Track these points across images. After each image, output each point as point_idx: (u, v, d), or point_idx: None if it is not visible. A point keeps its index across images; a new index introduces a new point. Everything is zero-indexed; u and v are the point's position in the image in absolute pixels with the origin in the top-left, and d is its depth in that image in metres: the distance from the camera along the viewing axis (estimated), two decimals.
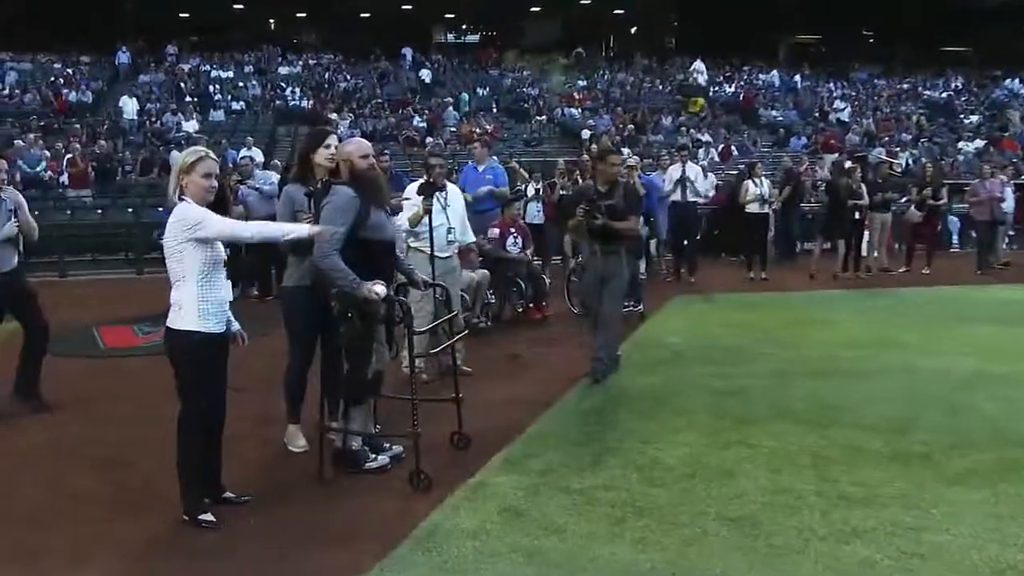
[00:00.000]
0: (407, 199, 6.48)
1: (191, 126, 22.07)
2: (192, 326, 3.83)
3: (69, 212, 16.52)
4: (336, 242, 4.25)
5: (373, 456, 4.70)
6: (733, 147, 22.72)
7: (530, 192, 12.55)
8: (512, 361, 7.51)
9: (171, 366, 3.95)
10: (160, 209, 15.57)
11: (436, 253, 6.22)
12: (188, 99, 24.29)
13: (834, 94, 28.88)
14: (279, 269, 10.41)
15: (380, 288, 4.26)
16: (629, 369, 6.94)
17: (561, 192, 12.24)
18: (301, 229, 4.09)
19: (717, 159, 21.65)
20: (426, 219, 6.05)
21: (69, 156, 17.50)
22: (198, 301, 3.83)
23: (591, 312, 6.84)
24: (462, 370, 6.09)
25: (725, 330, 8.51)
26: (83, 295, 11.99)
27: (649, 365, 7.09)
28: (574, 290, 10.01)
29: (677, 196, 12.31)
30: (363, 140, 4.78)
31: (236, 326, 4.10)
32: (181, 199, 3.80)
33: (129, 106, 22.99)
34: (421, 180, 6.55)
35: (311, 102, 24.42)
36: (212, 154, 3.92)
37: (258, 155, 17.67)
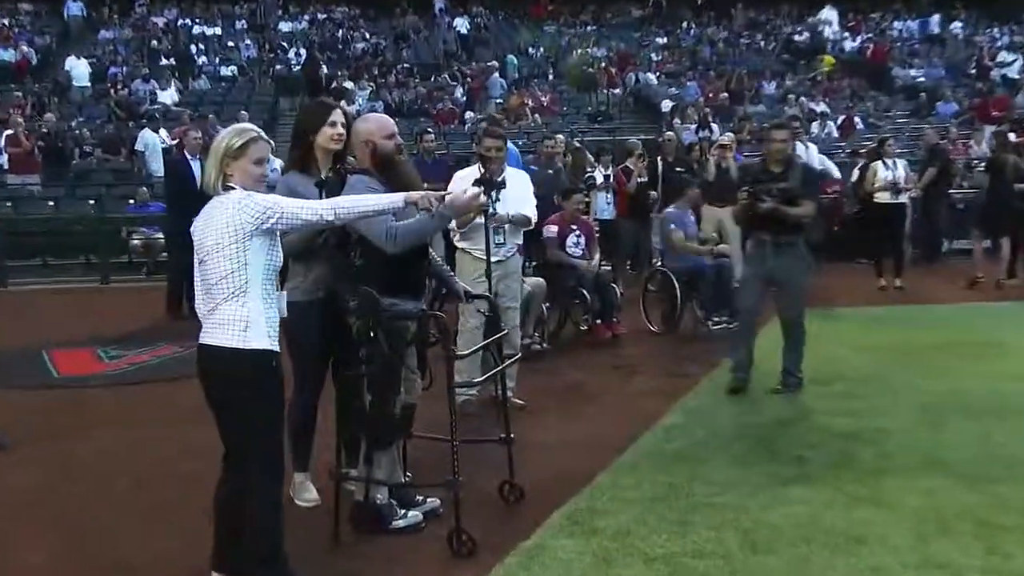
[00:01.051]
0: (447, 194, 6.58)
1: (169, 96, 22.51)
2: (266, 344, 3.81)
3: (11, 204, 16.74)
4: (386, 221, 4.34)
5: (402, 512, 4.76)
6: (857, 118, 22.50)
7: (597, 179, 12.61)
8: (575, 392, 7.57)
9: (222, 406, 3.84)
10: (132, 202, 15.94)
11: (484, 257, 6.27)
12: (164, 62, 24.77)
13: (998, 43, 28.03)
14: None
15: (474, 188, 4.46)
16: (726, 403, 6.95)
17: (639, 180, 12.28)
18: (396, 199, 4.07)
19: (836, 134, 21.49)
20: (480, 219, 6.15)
21: (9, 132, 17.59)
22: (265, 317, 3.84)
23: (742, 319, 7.19)
24: (513, 403, 6.13)
25: (852, 354, 8.46)
26: (31, 309, 12.34)
27: (752, 398, 7.09)
28: (652, 302, 10.06)
29: None
30: (385, 117, 4.88)
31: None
32: (228, 187, 3.84)
33: (80, 69, 23.15)
34: (469, 169, 6.66)
35: (323, 68, 24.76)
36: (264, 134, 4.01)
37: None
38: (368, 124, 4.69)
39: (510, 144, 10.12)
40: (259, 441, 3.82)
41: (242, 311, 3.76)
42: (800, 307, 7.20)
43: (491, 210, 6.47)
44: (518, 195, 6.75)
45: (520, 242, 7.08)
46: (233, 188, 3.82)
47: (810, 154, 12.73)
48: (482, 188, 6.01)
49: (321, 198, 4.65)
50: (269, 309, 3.84)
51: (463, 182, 6.43)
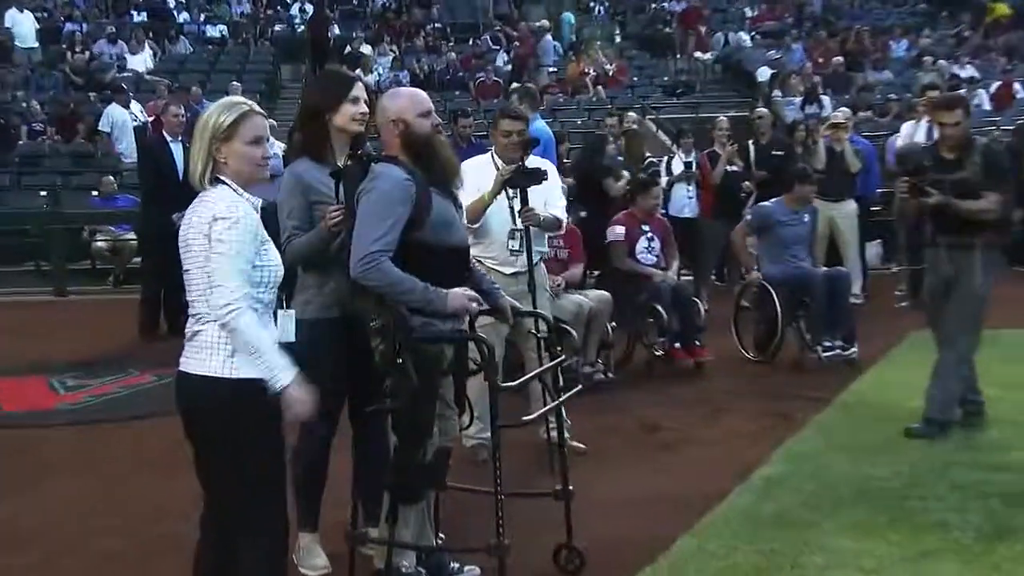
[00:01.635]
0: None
1: (141, 62, 22.75)
2: (256, 372, 3.80)
3: None
4: (385, 243, 4.42)
5: None
6: (1017, 84, 22.15)
7: (675, 167, 12.63)
8: (648, 434, 7.61)
9: (203, 450, 3.86)
10: (95, 194, 16.11)
11: (497, 267, 6.40)
12: (135, 18, 25.02)
13: None
14: (283, 292, 10.76)
15: (473, 295, 4.46)
16: (836, 451, 6.94)
17: (729, 168, 12.28)
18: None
19: (987, 106, 21.19)
20: (496, 217, 6.27)
21: None
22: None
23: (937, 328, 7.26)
24: (572, 447, 6.17)
25: (1003, 392, 8.34)
26: None
27: (871, 445, 7.06)
28: (746, 322, 10.05)
29: None
30: (418, 91, 4.92)
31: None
32: (217, 180, 3.88)
33: (25, 25, 23.06)
34: (481, 159, 6.79)
35: (333, 28, 24.95)
36: (257, 107, 4.07)
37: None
38: (399, 100, 4.75)
39: (542, 125, 10.25)
40: (251, 495, 3.84)
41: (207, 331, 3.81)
42: (967, 327, 7.17)
43: (516, 205, 6.61)
44: (545, 191, 6.82)
45: (545, 249, 7.20)
46: (223, 182, 3.88)
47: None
48: (509, 189, 6.21)
49: (338, 192, 4.78)
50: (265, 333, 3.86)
51: (476, 174, 6.52)
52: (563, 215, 7.16)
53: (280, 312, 4.05)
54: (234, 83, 19.92)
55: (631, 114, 13.94)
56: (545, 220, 6.80)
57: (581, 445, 6.84)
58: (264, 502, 3.85)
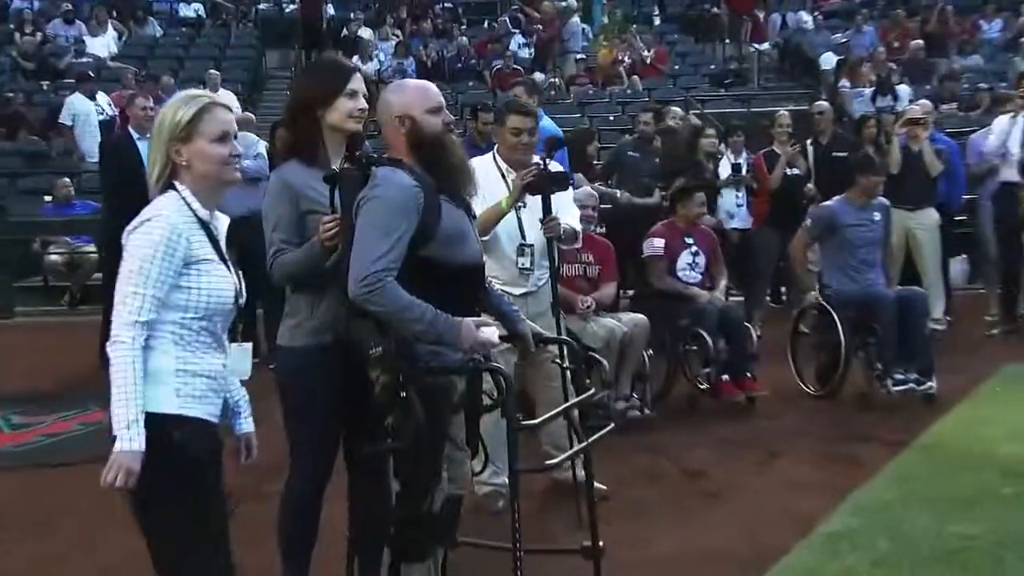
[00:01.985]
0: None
1: (103, 46, 22.84)
2: (173, 407, 3.79)
3: None
4: (390, 261, 4.41)
5: None
6: None
7: (722, 170, 12.64)
8: (691, 481, 7.61)
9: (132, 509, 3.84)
10: (48, 200, 16.13)
11: (505, 287, 6.40)
12: None
13: None
14: (269, 315, 10.89)
15: (492, 331, 4.44)
16: (914, 503, 6.90)
17: (789, 172, 12.23)
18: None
19: None
20: (502, 230, 6.36)
21: None
22: (175, 372, 3.84)
23: None
24: (599, 492, 6.13)
25: None
26: None
27: (956, 497, 7.02)
28: (805, 349, 10.03)
29: (1012, 173, 12.14)
30: (427, 84, 4.93)
31: (246, 425, 4.22)
32: (170, 187, 3.87)
33: None
34: (482, 160, 6.80)
35: (327, 9, 25.04)
36: (223, 100, 4.06)
37: (230, 102, 18.20)
38: (404, 94, 4.76)
39: (551, 124, 10.27)
40: (179, 566, 3.80)
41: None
42: None
43: (526, 216, 6.67)
44: (558, 198, 6.85)
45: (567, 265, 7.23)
46: (176, 189, 3.85)
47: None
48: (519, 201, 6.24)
49: (333, 199, 4.75)
50: (194, 361, 3.81)
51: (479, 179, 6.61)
52: (579, 226, 7.21)
53: (233, 346, 4.04)
54: (212, 71, 19.96)
55: (674, 109, 13.90)
56: (565, 232, 6.84)
57: (602, 487, 6.80)
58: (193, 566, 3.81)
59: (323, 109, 4.97)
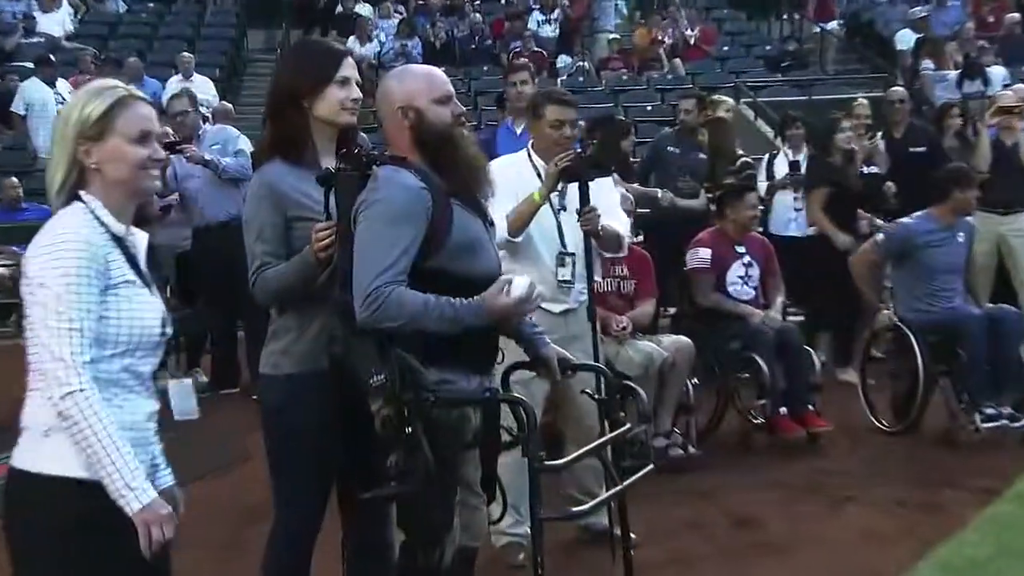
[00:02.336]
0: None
1: (57, 24, 22.88)
2: (73, 468, 3.63)
3: None
4: (395, 275, 4.40)
5: None
6: None
7: (778, 169, 12.65)
8: (743, 532, 7.61)
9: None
10: (26, 206, 16.12)
11: (545, 305, 6.40)
12: None
13: None
14: (252, 337, 10.98)
15: (520, 283, 4.49)
16: (1012, 559, 6.85)
17: (867, 169, 12.16)
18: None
19: None
20: (537, 234, 6.40)
21: None
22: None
23: None
24: (635, 543, 6.09)
25: None
26: None
27: None
28: (879, 379, 9.98)
29: None
30: (433, 70, 4.95)
31: (167, 479, 3.98)
32: (75, 199, 3.73)
33: None
34: (514, 157, 6.89)
35: None
36: (139, 92, 3.97)
37: (205, 90, 18.50)
38: (407, 81, 4.75)
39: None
40: None
41: (44, 412, 3.63)
42: None
43: (567, 219, 6.71)
44: (601, 198, 6.87)
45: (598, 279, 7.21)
46: (81, 199, 3.73)
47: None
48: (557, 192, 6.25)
49: (327, 201, 4.75)
50: (113, 412, 3.62)
51: (510, 178, 6.61)
52: (626, 233, 7.17)
53: (172, 383, 3.99)
54: (184, 54, 20.10)
55: (722, 98, 13.88)
56: (606, 233, 6.83)
57: (638, 537, 6.77)
58: None
59: (311, 100, 4.96)
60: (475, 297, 4.42)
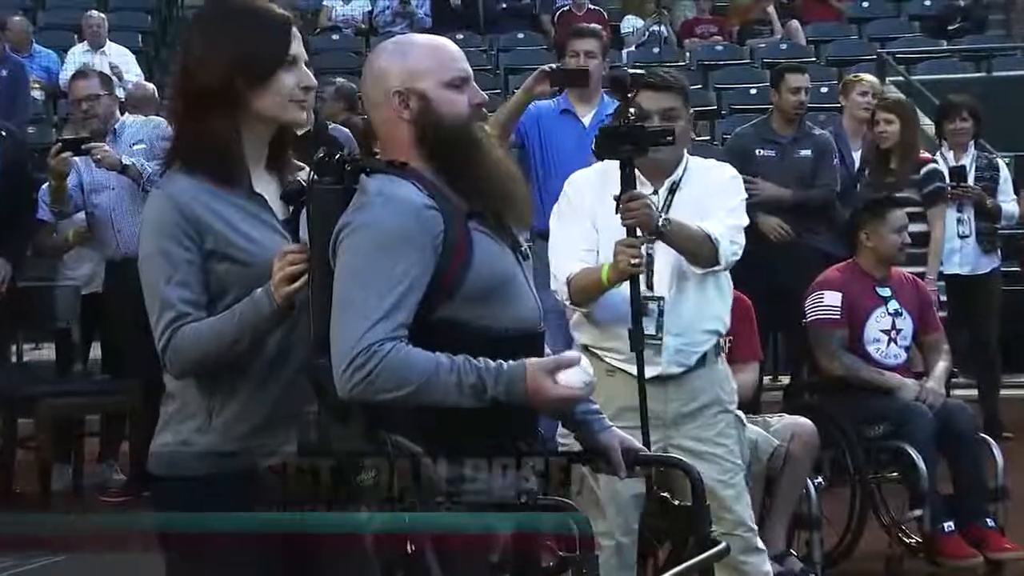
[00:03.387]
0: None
1: None
2: None
3: None
4: (391, 329, 4.39)
5: None
6: None
7: (946, 176, 12.66)
8: None
9: None
10: None
11: (624, 366, 6.56)
12: None
13: None
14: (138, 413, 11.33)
15: (574, 373, 4.43)
16: None
17: None
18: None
19: None
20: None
21: None
22: None
23: None
24: None
25: None
26: None
27: None
28: None
29: None
30: (443, 41, 4.95)
31: None
32: None
33: None
34: (601, 168, 6.92)
35: None
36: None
37: (123, 64, 18.76)
38: (407, 56, 4.75)
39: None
40: None
41: None
42: None
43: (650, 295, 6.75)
44: (705, 197, 6.99)
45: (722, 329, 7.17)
46: None
47: None
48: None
49: (297, 229, 4.73)
50: None
51: (594, 198, 6.79)
52: (726, 242, 6.99)
53: None
54: (92, 13, 20.25)
55: (865, 76, 13.92)
56: (682, 233, 6.82)
57: None
58: None
59: (248, 91, 4.86)
60: (512, 363, 4.38)
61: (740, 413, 7.41)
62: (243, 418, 4.77)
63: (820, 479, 9.01)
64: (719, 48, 22.94)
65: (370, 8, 22.52)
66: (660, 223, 6.66)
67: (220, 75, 4.85)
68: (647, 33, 22.63)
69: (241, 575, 4.77)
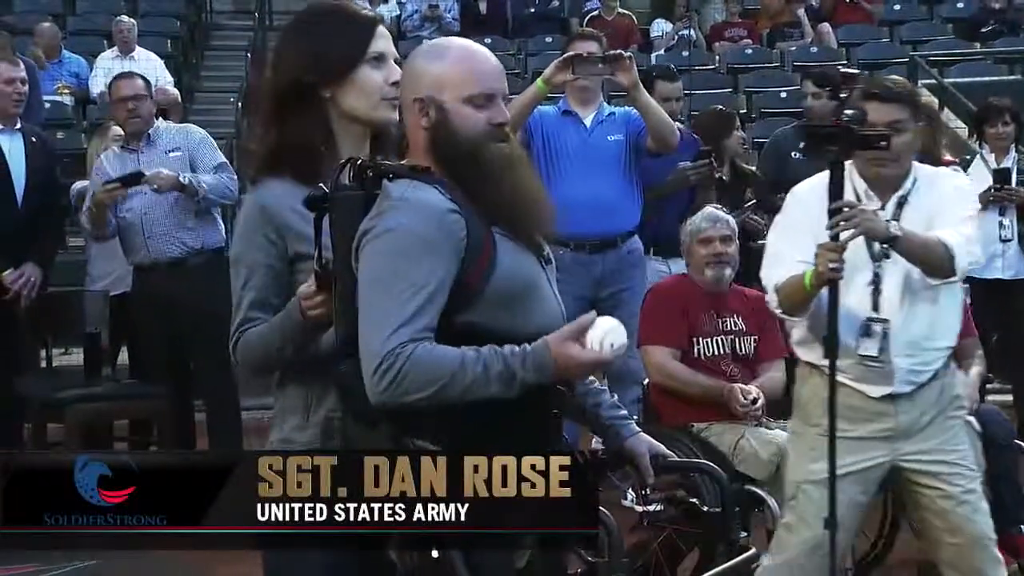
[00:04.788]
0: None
1: None
2: None
3: None
4: (416, 331, 4.38)
5: None
6: None
7: (974, 176, 12.61)
8: None
9: None
10: None
11: (855, 384, 6.58)
12: None
13: None
14: (215, 417, 11.28)
15: (597, 331, 4.41)
16: None
17: None
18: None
19: None
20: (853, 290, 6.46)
21: None
22: None
23: None
24: None
25: None
26: None
27: None
28: None
29: None
30: (482, 53, 4.88)
31: None
32: None
33: None
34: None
35: None
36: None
37: (154, 70, 18.54)
38: (441, 61, 4.73)
39: (627, 111, 10.50)
40: None
41: None
42: None
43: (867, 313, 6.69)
44: (935, 209, 6.84)
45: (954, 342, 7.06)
46: None
47: None
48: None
49: (319, 235, 4.66)
50: None
51: (806, 209, 6.72)
52: (963, 251, 6.72)
53: None
54: (122, 18, 20.24)
55: (894, 78, 13.88)
56: (906, 236, 6.61)
57: None
58: None
59: (334, 88, 4.91)
60: (534, 343, 4.39)
61: (971, 419, 7.55)
62: (339, 413, 4.78)
63: (889, 523, 8.98)
64: (748, 51, 22.93)
65: (398, 12, 22.51)
66: (891, 230, 6.54)
67: (297, 74, 4.92)
68: (676, 37, 22.61)
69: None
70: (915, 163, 6.92)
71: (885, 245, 6.52)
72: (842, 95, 6.36)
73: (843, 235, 6.36)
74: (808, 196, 6.69)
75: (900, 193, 6.71)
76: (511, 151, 4.72)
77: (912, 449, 6.59)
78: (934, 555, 6.99)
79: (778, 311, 6.85)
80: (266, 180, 4.96)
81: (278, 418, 4.98)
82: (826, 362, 6.58)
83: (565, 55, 7.81)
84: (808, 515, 6.61)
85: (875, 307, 6.69)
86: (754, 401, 8.46)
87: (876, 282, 6.70)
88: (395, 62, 4.94)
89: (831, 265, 6.32)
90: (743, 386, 8.37)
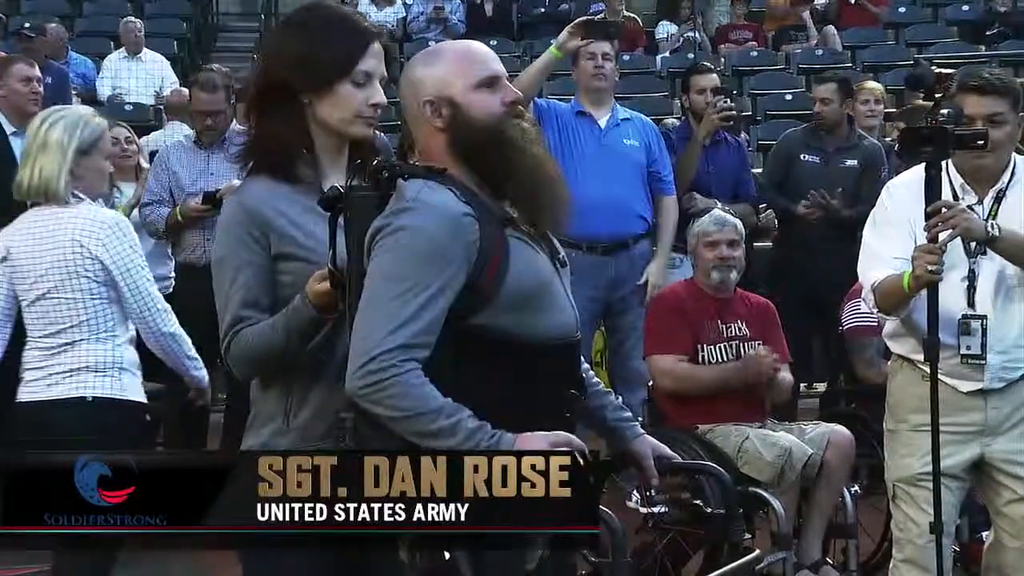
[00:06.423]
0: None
1: None
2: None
3: None
4: (414, 334, 4.37)
5: None
6: None
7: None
8: None
9: None
10: None
11: (947, 379, 6.55)
12: None
13: None
14: (232, 416, 11.41)
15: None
16: None
17: None
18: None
19: None
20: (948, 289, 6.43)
21: None
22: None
23: None
24: None
25: None
26: None
27: None
28: None
29: None
30: (470, 45, 4.92)
31: None
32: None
33: None
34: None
35: None
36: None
37: (161, 71, 18.67)
38: (437, 64, 4.74)
39: (638, 117, 10.58)
40: None
41: None
42: None
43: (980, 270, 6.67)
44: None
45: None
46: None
47: None
48: None
49: (334, 235, 4.65)
50: None
51: (911, 206, 6.63)
52: None
53: None
54: (130, 19, 20.26)
55: (866, 84, 13.82)
56: (1005, 235, 6.61)
57: None
58: None
59: (313, 97, 4.90)
60: (507, 438, 4.31)
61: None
62: (319, 418, 4.82)
63: (856, 487, 8.94)
64: (754, 54, 22.91)
65: (404, 14, 22.50)
66: (989, 230, 6.54)
67: (283, 75, 4.93)
68: (681, 39, 22.60)
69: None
70: (1015, 155, 6.90)
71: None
72: (937, 95, 6.32)
73: (941, 236, 6.36)
74: (903, 192, 6.69)
75: (998, 187, 6.71)
76: (530, 126, 4.72)
77: (1001, 448, 6.62)
78: (996, 556, 7.05)
79: (875, 311, 6.85)
80: (247, 180, 5.00)
81: (256, 422, 5.01)
82: (917, 356, 6.65)
83: (577, 20, 7.80)
84: (912, 513, 6.91)
85: (970, 303, 6.72)
86: (776, 359, 8.62)
87: (971, 279, 6.72)
88: (382, 81, 4.95)
89: (930, 268, 6.31)
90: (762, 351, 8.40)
